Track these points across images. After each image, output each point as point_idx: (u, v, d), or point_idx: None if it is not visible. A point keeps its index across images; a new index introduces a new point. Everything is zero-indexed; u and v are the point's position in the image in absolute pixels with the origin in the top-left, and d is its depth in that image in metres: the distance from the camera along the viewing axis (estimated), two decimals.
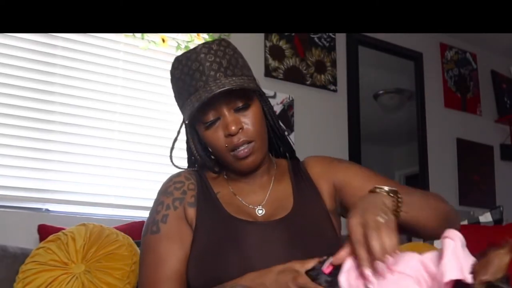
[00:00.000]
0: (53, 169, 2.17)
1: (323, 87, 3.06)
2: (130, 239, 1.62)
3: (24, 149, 2.11)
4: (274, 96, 2.84)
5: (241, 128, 1.06)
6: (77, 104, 2.26)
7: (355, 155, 3.11)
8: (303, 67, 2.99)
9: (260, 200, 1.13)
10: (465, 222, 2.38)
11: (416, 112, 3.53)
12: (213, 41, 1.07)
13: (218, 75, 1.02)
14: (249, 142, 1.06)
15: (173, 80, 1.11)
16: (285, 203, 1.11)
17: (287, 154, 1.25)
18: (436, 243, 2.27)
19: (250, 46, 2.81)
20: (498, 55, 4.03)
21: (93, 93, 2.31)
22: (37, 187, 2.12)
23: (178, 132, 1.22)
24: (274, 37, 2.92)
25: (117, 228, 1.74)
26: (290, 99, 2.90)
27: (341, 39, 3.20)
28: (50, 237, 1.62)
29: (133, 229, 1.77)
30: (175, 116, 2.49)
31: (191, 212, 1.10)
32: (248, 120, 1.07)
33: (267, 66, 2.86)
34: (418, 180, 3.46)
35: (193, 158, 1.20)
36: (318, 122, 3.01)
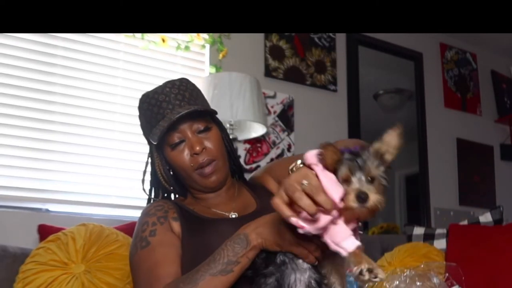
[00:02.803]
0: (53, 169, 2.17)
1: (323, 87, 3.06)
2: (130, 239, 1.62)
3: (24, 149, 2.11)
4: (274, 96, 2.84)
5: (204, 148, 1.18)
6: (77, 104, 2.26)
7: None
8: (303, 67, 2.99)
9: (230, 208, 1.24)
10: (465, 222, 2.38)
11: (416, 112, 3.54)
12: (176, 79, 1.29)
13: (182, 103, 1.20)
14: (212, 160, 1.19)
15: (141, 112, 1.30)
16: (251, 206, 1.24)
17: (238, 175, 1.38)
18: (436, 243, 2.27)
19: (250, 46, 2.82)
20: (498, 55, 4.03)
21: (93, 93, 2.31)
22: (37, 187, 2.11)
23: (147, 163, 1.31)
24: (274, 37, 2.92)
25: (117, 228, 1.74)
26: (290, 99, 2.90)
27: (341, 39, 3.20)
28: (50, 237, 1.62)
29: (133, 229, 1.77)
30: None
31: (176, 225, 1.17)
32: (210, 142, 1.20)
33: (267, 66, 2.86)
34: (418, 180, 3.46)
35: (157, 188, 1.32)
36: (318, 122, 3.01)
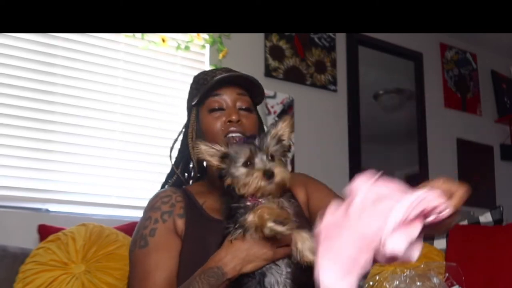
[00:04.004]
0: (54, 169, 2.16)
1: (323, 87, 3.06)
2: (130, 239, 1.62)
3: (24, 149, 2.11)
4: (274, 96, 2.84)
5: (240, 121, 1.18)
6: (77, 104, 2.26)
7: (355, 155, 3.11)
8: (303, 67, 2.99)
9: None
10: (465, 222, 2.38)
11: (416, 112, 3.53)
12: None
13: (233, 72, 1.22)
14: (243, 133, 1.17)
15: (189, 90, 1.33)
16: None
17: None
18: (436, 243, 2.27)
19: (250, 46, 2.82)
20: (498, 55, 4.03)
21: (94, 93, 2.31)
22: (37, 187, 2.11)
23: (180, 132, 1.33)
24: (274, 37, 2.92)
25: (117, 228, 1.74)
26: (290, 99, 2.90)
27: (341, 39, 3.20)
28: (50, 237, 1.62)
29: (133, 229, 1.77)
30: (175, 117, 2.49)
31: (181, 223, 1.14)
32: (247, 121, 1.20)
33: (267, 66, 2.86)
34: (418, 180, 3.46)
35: (182, 162, 1.30)
36: (318, 122, 3.01)
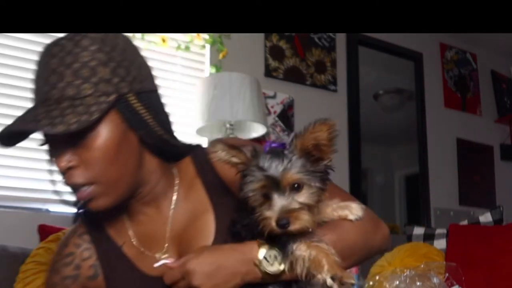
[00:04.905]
0: (54, 169, 2.16)
1: (323, 87, 3.06)
2: None
3: (24, 149, 2.11)
4: (274, 96, 2.84)
5: (71, 168, 0.79)
6: None
7: (355, 155, 3.11)
8: (303, 67, 2.99)
9: (162, 236, 0.90)
10: (465, 222, 2.38)
11: (416, 112, 3.53)
12: (64, 39, 0.81)
13: (51, 93, 0.76)
14: (82, 185, 0.80)
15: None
16: (204, 225, 0.89)
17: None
18: (436, 243, 2.27)
19: (250, 46, 2.82)
20: (498, 55, 4.03)
21: None
22: (37, 187, 2.11)
23: None
24: (274, 37, 2.92)
25: None
26: (290, 99, 2.90)
27: (341, 39, 3.20)
28: (50, 237, 1.62)
29: None
30: (176, 117, 2.49)
31: (97, 284, 0.90)
32: (90, 155, 0.78)
33: (267, 66, 2.86)
34: (418, 180, 3.46)
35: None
36: None
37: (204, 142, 2.37)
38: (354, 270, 0.85)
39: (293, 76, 2.95)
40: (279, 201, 0.73)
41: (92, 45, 0.78)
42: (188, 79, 2.57)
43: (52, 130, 0.73)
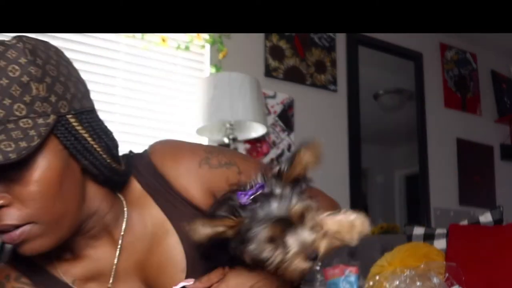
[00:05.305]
0: None
1: (323, 87, 3.06)
2: None
3: None
4: (274, 96, 2.84)
5: (3, 206, 0.65)
6: None
7: (355, 155, 3.11)
8: (303, 67, 2.99)
9: (108, 270, 0.79)
10: (465, 222, 2.38)
11: (416, 112, 3.53)
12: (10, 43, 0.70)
13: None
14: (17, 226, 0.66)
15: None
16: (168, 247, 0.79)
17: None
18: (436, 243, 2.27)
19: (250, 46, 2.82)
20: (498, 55, 4.03)
21: (93, 93, 2.30)
22: None
23: None
24: (274, 37, 2.92)
25: None
26: (290, 99, 2.90)
27: (341, 39, 3.20)
28: None
29: None
30: (176, 117, 2.49)
31: None
32: (23, 191, 0.65)
33: (267, 66, 2.86)
34: (418, 180, 3.46)
35: None
36: (318, 122, 3.01)
37: (204, 141, 2.37)
38: (354, 270, 0.85)
39: (293, 76, 2.95)
40: (295, 239, 0.68)
41: (21, 57, 0.66)
42: (188, 79, 2.57)
43: None
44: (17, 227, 0.65)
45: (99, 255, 0.79)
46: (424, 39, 3.58)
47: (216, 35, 2.65)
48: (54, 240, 0.69)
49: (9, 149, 0.60)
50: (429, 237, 2.33)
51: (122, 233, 0.78)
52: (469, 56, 3.87)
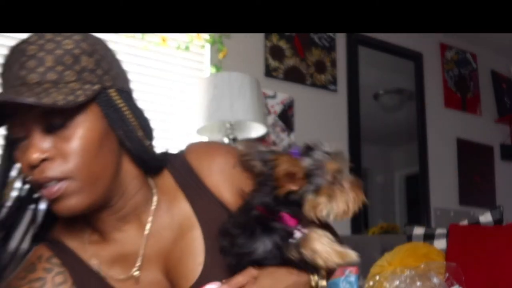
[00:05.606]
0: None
1: (323, 87, 3.06)
2: None
3: None
4: (274, 96, 2.84)
5: (47, 159, 0.70)
6: None
7: (355, 155, 3.11)
8: (303, 67, 2.99)
9: (134, 256, 0.81)
10: (465, 222, 2.38)
11: (416, 112, 3.54)
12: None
13: (31, 76, 0.69)
14: (62, 179, 0.70)
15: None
16: (190, 240, 0.82)
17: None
18: (436, 243, 2.27)
19: (250, 46, 2.82)
20: (498, 55, 4.03)
21: None
22: None
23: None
24: (274, 37, 2.92)
25: None
26: (290, 99, 2.90)
27: (341, 39, 3.20)
28: None
29: None
30: (176, 117, 2.49)
31: None
32: (67, 147, 0.70)
33: (267, 66, 2.86)
34: (418, 180, 3.46)
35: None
36: (318, 122, 3.01)
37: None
38: (354, 270, 0.84)
39: (293, 76, 2.95)
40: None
41: (75, 36, 0.72)
42: (188, 79, 2.58)
43: (38, 102, 0.65)
44: (57, 181, 0.70)
45: (126, 239, 0.81)
46: (424, 39, 3.58)
47: (216, 35, 2.65)
48: (87, 200, 0.73)
49: (59, 97, 0.67)
50: (429, 237, 2.33)
51: (150, 219, 0.81)
52: (469, 56, 3.87)
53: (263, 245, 0.74)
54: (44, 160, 0.69)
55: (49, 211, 0.80)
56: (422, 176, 3.45)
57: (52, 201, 0.72)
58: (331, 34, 3.15)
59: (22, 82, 0.69)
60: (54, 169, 0.70)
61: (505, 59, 4.06)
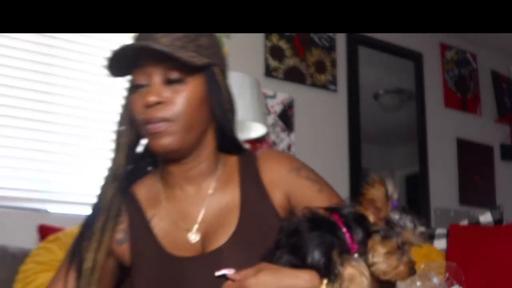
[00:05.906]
0: (53, 169, 2.16)
1: (323, 87, 3.06)
2: None
3: (24, 149, 2.11)
4: (274, 96, 2.84)
5: (161, 102, 0.88)
6: (76, 105, 2.26)
7: (355, 155, 3.11)
8: (303, 67, 2.99)
9: (195, 217, 0.94)
10: (465, 222, 2.38)
11: (416, 112, 3.53)
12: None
13: (163, 40, 0.89)
14: (164, 120, 0.88)
15: None
16: (228, 220, 0.93)
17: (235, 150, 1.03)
18: (436, 243, 2.27)
19: (250, 46, 2.82)
20: (498, 55, 4.03)
21: (93, 94, 2.31)
22: (37, 187, 2.11)
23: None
24: (274, 37, 2.92)
25: None
26: (290, 99, 2.90)
27: (341, 39, 3.20)
28: (50, 237, 1.62)
29: None
30: None
31: (122, 249, 0.96)
32: (177, 97, 0.89)
33: (267, 66, 2.86)
34: (418, 180, 3.46)
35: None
36: (318, 122, 3.01)
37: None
38: None
39: (293, 76, 2.95)
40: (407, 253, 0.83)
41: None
42: None
43: (175, 54, 0.85)
44: (162, 120, 0.87)
45: (186, 199, 0.96)
46: (424, 39, 3.58)
47: (216, 35, 2.64)
48: (178, 143, 0.89)
49: (189, 54, 0.88)
50: (429, 237, 2.33)
51: (211, 191, 0.95)
52: (469, 56, 3.87)
53: (321, 241, 0.79)
54: (158, 103, 0.87)
55: (135, 171, 1.02)
56: (422, 176, 3.45)
57: (152, 138, 0.89)
58: (331, 34, 3.15)
59: (156, 42, 0.87)
60: (163, 111, 0.87)
61: (505, 59, 4.06)
